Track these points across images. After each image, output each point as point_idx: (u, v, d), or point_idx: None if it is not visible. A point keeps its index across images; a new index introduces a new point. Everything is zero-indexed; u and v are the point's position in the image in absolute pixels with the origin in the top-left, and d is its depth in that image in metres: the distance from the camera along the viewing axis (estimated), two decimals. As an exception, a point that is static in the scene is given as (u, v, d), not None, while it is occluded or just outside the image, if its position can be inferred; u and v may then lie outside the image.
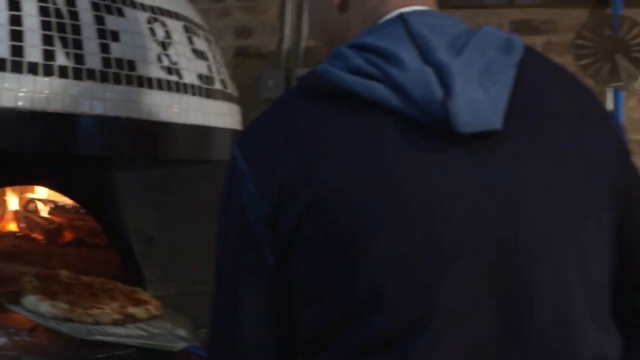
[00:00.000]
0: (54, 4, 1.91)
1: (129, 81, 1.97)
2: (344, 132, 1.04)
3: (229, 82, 2.43)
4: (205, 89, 2.22)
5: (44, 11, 1.90)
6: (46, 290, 1.82)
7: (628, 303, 1.15)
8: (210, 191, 2.39)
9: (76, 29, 1.91)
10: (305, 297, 1.06)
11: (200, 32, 2.34)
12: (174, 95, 2.09)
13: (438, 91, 1.01)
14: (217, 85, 2.31)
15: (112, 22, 1.99)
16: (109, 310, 1.77)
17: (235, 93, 2.47)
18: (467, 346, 1.01)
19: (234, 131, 2.38)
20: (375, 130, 1.04)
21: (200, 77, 2.22)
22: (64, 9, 1.91)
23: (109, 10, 2.00)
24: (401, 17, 1.10)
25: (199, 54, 2.26)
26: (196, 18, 2.39)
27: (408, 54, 1.05)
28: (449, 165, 1.02)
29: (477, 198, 1.02)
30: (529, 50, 1.11)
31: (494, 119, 1.03)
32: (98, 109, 1.90)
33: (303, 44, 3.49)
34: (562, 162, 1.06)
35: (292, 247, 1.04)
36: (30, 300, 1.77)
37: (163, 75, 2.07)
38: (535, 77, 1.10)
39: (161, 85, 2.05)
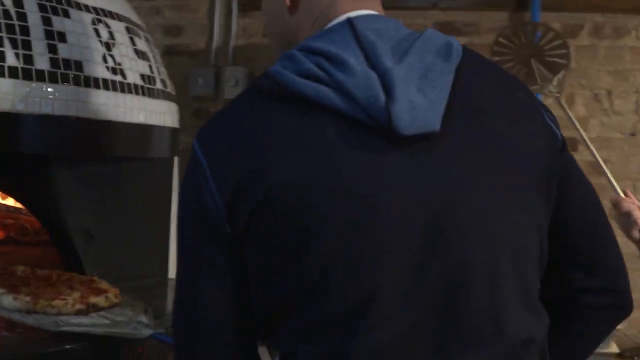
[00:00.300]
0: (2, 5, 1.91)
1: (77, 81, 1.98)
2: (295, 133, 1.09)
3: (168, 81, 2.46)
4: (147, 89, 2.25)
5: (-8, 12, 1.89)
6: (6, 284, 1.80)
7: (565, 278, 1.23)
8: (151, 188, 2.44)
9: (25, 30, 1.92)
10: (258, 287, 1.12)
11: (140, 32, 2.36)
12: (119, 95, 2.11)
13: (381, 96, 1.07)
14: (158, 85, 2.34)
15: (58, 23, 2.00)
16: (71, 300, 1.76)
17: (173, 92, 2.50)
18: (404, 332, 1.07)
19: (173, 129, 2.42)
20: (324, 132, 1.09)
21: (142, 77, 2.25)
22: (12, 10, 1.91)
23: (55, 12, 2.00)
24: (349, 21, 1.15)
25: (140, 54, 2.28)
26: (135, 18, 2.41)
27: (355, 59, 1.10)
28: (391, 167, 1.08)
29: (416, 199, 1.08)
30: (466, 51, 1.17)
31: (433, 121, 1.08)
32: (47, 108, 1.92)
33: (232, 42, 3.53)
34: (498, 158, 1.12)
35: (246, 242, 1.10)
36: None
37: (108, 75, 2.09)
38: (472, 77, 1.16)
39: (107, 85, 2.07)
